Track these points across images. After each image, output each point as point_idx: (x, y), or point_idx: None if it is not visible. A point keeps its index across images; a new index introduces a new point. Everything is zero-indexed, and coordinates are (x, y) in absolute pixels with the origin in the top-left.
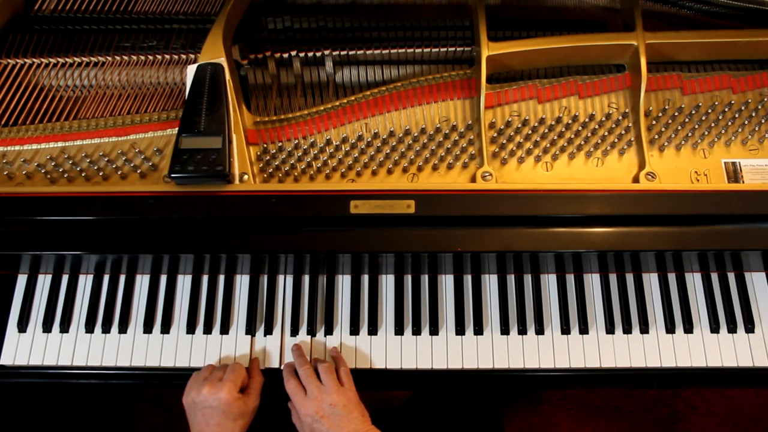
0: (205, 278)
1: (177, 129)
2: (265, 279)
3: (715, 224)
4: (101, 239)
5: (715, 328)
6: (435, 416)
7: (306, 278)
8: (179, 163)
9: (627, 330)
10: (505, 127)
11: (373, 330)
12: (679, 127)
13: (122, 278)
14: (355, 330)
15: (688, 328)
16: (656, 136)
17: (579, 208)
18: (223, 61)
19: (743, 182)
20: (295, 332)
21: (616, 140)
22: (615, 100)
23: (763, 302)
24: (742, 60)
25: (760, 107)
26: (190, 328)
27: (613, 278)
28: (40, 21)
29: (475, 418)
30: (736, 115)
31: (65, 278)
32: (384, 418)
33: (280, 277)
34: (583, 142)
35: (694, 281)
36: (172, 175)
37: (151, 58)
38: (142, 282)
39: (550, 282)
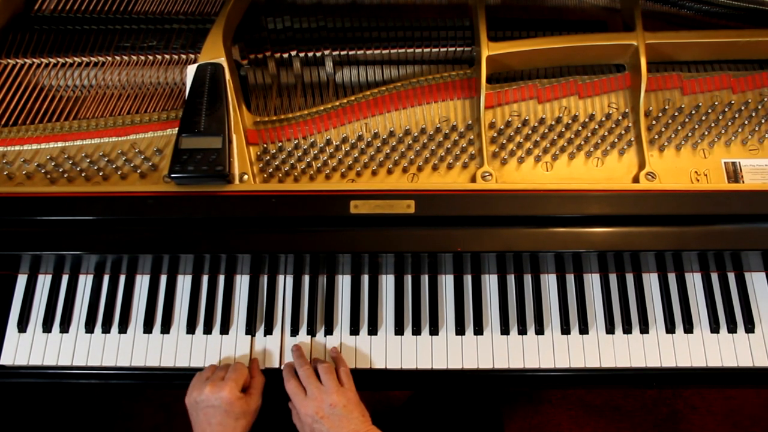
0: (205, 278)
1: (177, 129)
2: (265, 279)
3: (715, 224)
4: (101, 239)
5: (715, 328)
6: (435, 416)
7: (306, 278)
8: (179, 163)
9: (627, 330)
10: (505, 127)
11: (373, 330)
12: (679, 127)
13: (122, 278)
14: (355, 330)
15: (688, 328)
16: (656, 136)
17: (579, 208)
18: (223, 61)
19: (743, 182)
20: (295, 332)
21: (616, 140)
22: (615, 100)
23: (763, 302)
24: (742, 60)
25: (760, 107)
26: (190, 328)
27: (613, 278)
28: (40, 21)
29: (475, 418)
30: (736, 115)
31: (65, 278)
32: (384, 418)
33: (280, 277)
34: (583, 142)
35: (694, 281)
36: (172, 175)
37: (151, 58)
38: (142, 282)
39: (550, 282)
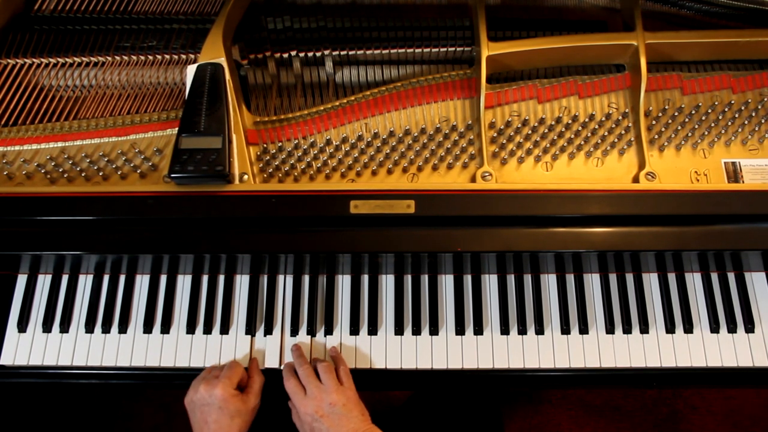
0: (205, 278)
1: (177, 129)
2: (265, 279)
3: (715, 224)
4: (101, 239)
5: (715, 328)
6: (435, 416)
7: (306, 278)
8: (179, 163)
9: (627, 330)
10: (505, 127)
11: (373, 330)
12: (679, 127)
13: (122, 278)
14: (355, 330)
15: (688, 328)
16: (656, 136)
17: (579, 208)
18: (223, 61)
19: (743, 182)
20: (295, 332)
21: (616, 140)
22: (615, 100)
23: (763, 302)
24: (742, 60)
25: (760, 107)
26: (190, 328)
27: (613, 278)
28: (40, 21)
29: (475, 418)
30: (736, 115)
31: (65, 278)
32: (384, 418)
33: (280, 277)
34: (583, 142)
35: (694, 281)
36: (172, 175)
37: (151, 58)
38: (142, 282)
39: (550, 282)
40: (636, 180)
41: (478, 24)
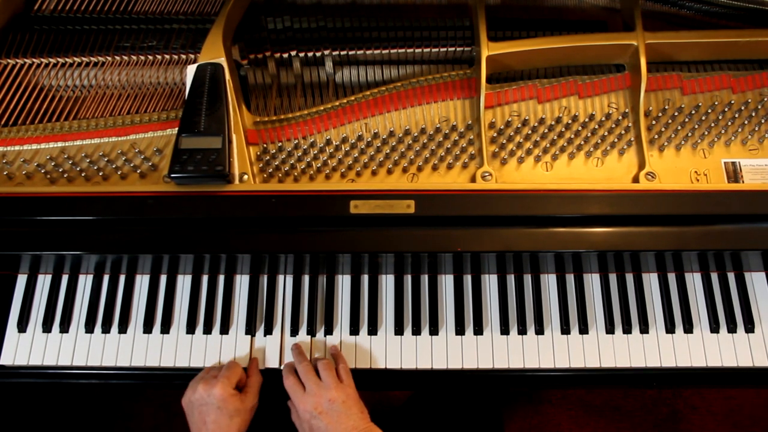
0: (205, 278)
1: (177, 129)
2: (265, 279)
3: (715, 224)
4: (101, 239)
5: (715, 328)
6: (435, 416)
7: (306, 278)
8: (179, 163)
9: (627, 330)
10: (505, 127)
11: (372, 330)
12: (679, 127)
13: (122, 278)
14: (354, 330)
15: (688, 328)
16: (656, 136)
17: (579, 208)
18: (223, 61)
19: (743, 182)
20: (295, 332)
21: (616, 140)
22: (615, 100)
23: (763, 302)
24: (742, 60)
25: (760, 107)
26: (190, 328)
27: (613, 278)
28: (40, 21)
29: (475, 418)
30: (736, 115)
31: (65, 278)
32: (384, 418)
33: (280, 277)
34: (583, 142)
35: (694, 281)
36: (172, 175)
37: (151, 58)
38: (142, 282)
39: (550, 282)
40: (636, 180)
41: (478, 24)
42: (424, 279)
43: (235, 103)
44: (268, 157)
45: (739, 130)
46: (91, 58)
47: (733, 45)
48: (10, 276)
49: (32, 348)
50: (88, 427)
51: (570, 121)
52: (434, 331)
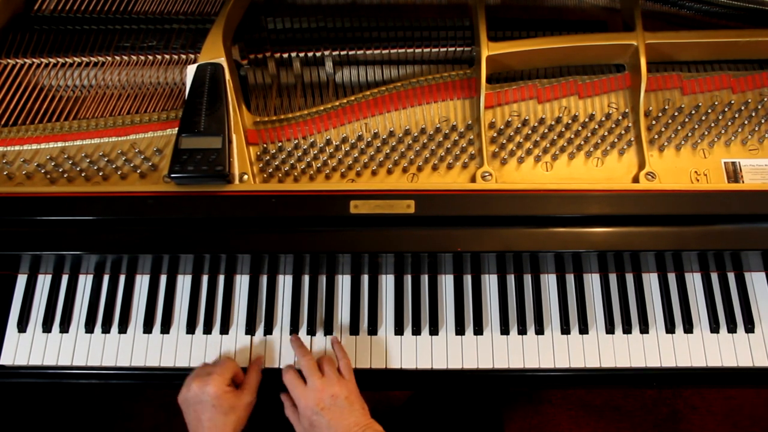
0: (205, 278)
1: (177, 129)
2: (264, 279)
3: (715, 224)
4: (101, 239)
5: (714, 328)
6: (435, 416)
7: (306, 278)
8: (179, 163)
9: (627, 330)
10: (505, 127)
11: (372, 330)
12: (679, 127)
13: (122, 278)
14: (354, 330)
15: (688, 328)
16: (656, 136)
17: (579, 208)
18: (223, 61)
19: (743, 182)
20: (295, 332)
21: (616, 140)
22: (615, 100)
23: (763, 302)
24: (742, 60)
25: (760, 107)
26: (190, 328)
27: (613, 278)
28: (40, 21)
29: (475, 418)
30: (736, 115)
31: (65, 278)
32: (384, 418)
33: (280, 277)
34: (583, 142)
35: (694, 281)
36: (172, 175)
37: (151, 58)
38: (142, 282)
39: (550, 282)
40: (636, 180)
41: (478, 24)
42: (424, 279)
43: (235, 103)
44: (268, 157)
45: (739, 130)
46: (91, 58)
47: (733, 45)
48: (10, 276)
49: (32, 348)
50: (88, 427)
51: (570, 121)
52: (434, 331)
